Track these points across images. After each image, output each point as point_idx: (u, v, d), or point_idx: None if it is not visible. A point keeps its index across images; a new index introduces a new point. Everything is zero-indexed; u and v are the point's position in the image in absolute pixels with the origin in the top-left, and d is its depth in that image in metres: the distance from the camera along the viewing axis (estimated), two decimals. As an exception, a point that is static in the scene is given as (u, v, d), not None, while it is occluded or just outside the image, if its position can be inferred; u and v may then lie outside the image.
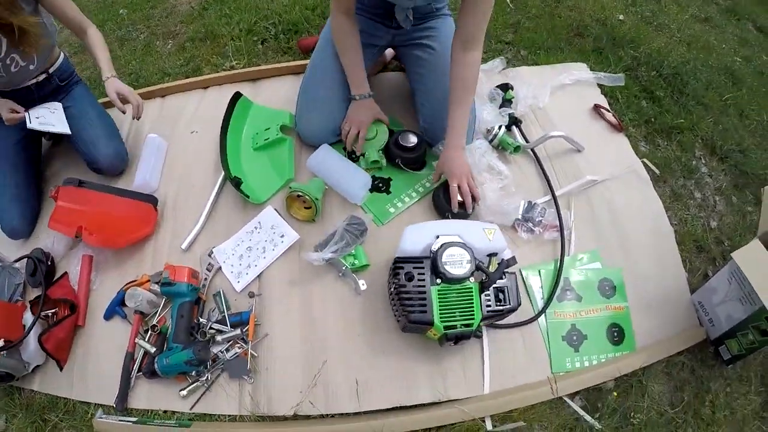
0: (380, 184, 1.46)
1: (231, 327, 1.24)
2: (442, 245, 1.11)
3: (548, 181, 1.46)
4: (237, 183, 1.40)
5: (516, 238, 1.37)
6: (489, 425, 1.11)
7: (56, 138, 1.67)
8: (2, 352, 1.16)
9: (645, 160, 1.55)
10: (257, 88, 1.74)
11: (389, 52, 1.73)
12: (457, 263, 1.09)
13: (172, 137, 1.64)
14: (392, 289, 1.12)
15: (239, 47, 1.89)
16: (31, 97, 1.46)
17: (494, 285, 1.12)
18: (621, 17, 2.05)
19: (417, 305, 1.07)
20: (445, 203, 1.34)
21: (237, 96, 1.59)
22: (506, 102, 1.60)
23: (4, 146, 1.46)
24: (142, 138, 1.61)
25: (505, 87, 1.63)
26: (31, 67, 1.39)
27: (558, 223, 1.37)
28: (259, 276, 1.33)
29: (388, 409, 1.14)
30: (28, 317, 1.26)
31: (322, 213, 1.40)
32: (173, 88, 1.78)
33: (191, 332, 1.22)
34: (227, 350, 1.22)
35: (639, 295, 1.32)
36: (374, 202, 1.43)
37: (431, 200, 1.43)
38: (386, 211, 1.41)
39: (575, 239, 1.38)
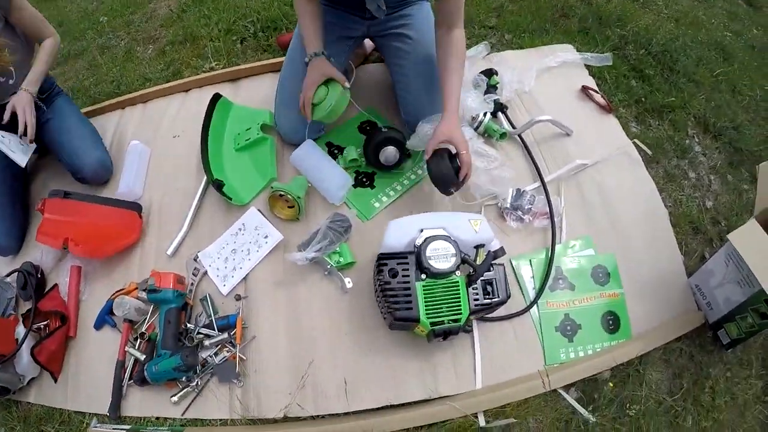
0: (364, 179, 1.44)
1: (219, 331, 1.24)
2: (425, 239, 1.09)
3: (537, 167, 1.43)
4: (219, 186, 1.38)
5: (505, 227, 1.35)
6: (482, 421, 1.09)
7: (42, 151, 1.67)
8: (-3, 366, 1.17)
9: (636, 140, 1.51)
10: (237, 88, 1.73)
11: (369, 43, 1.70)
12: (441, 257, 1.07)
13: (154, 143, 1.63)
14: (377, 287, 1.10)
15: (218, 48, 1.87)
16: None
17: (482, 278, 1.10)
18: (606, -5, 2.01)
19: (402, 302, 1.05)
20: (451, 174, 1.21)
21: (216, 97, 1.57)
22: (491, 88, 1.57)
23: None
24: (125, 145, 1.60)
25: (489, 73, 1.59)
26: (11, 81, 1.39)
27: (548, 210, 1.35)
28: (244, 278, 1.31)
29: (378, 408, 1.13)
30: (20, 330, 1.27)
31: (306, 211, 1.38)
32: (154, 93, 1.77)
33: (179, 338, 1.22)
34: (216, 354, 1.22)
35: (634, 281, 1.29)
36: (358, 198, 1.41)
37: (421, 184, 1.40)
38: (371, 206, 1.39)
39: (566, 226, 1.35)
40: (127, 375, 1.23)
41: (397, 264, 1.08)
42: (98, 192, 1.52)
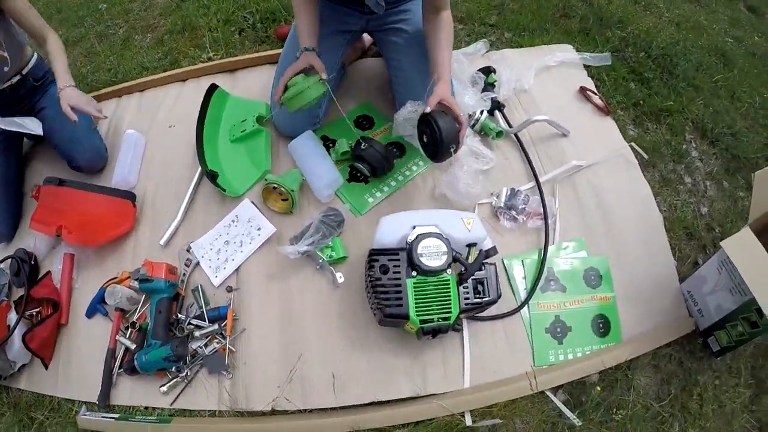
0: (358, 174, 1.43)
1: (209, 322, 1.24)
2: (417, 236, 1.08)
3: (532, 167, 1.42)
4: (213, 177, 1.38)
5: (498, 226, 1.34)
6: (468, 420, 1.09)
7: (37, 138, 1.66)
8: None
9: (633, 144, 1.51)
10: (234, 79, 1.72)
11: (367, 38, 1.69)
12: (433, 255, 1.07)
13: (150, 132, 1.63)
14: (367, 282, 1.10)
15: (217, 38, 1.86)
16: (6, 100, 1.45)
17: (473, 277, 1.10)
18: (608, -4, 2.00)
19: (392, 299, 1.05)
20: (456, 132, 1.16)
21: (213, 88, 1.56)
22: (489, 86, 1.56)
23: None
24: (121, 134, 1.59)
25: (487, 70, 1.59)
26: (6, 68, 1.38)
27: (542, 211, 1.34)
28: (236, 270, 1.31)
29: (366, 404, 1.13)
30: (12, 317, 1.28)
31: (300, 205, 1.38)
32: (151, 82, 1.76)
33: (170, 328, 1.22)
34: (206, 345, 1.22)
35: (626, 285, 1.28)
36: (352, 192, 1.40)
37: (416, 180, 1.38)
38: (364, 201, 1.38)
39: (560, 227, 1.35)
40: (117, 364, 1.23)
41: (388, 260, 1.08)
42: (93, 180, 1.52)
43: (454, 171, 1.33)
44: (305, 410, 1.13)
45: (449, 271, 1.08)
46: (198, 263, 1.33)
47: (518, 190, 1.36)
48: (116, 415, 1.18)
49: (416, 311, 1.04)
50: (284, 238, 1.33)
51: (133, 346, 1.22)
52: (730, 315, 1.12)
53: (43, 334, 1.26)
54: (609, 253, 1.32)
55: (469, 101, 1.47)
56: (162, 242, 1.37)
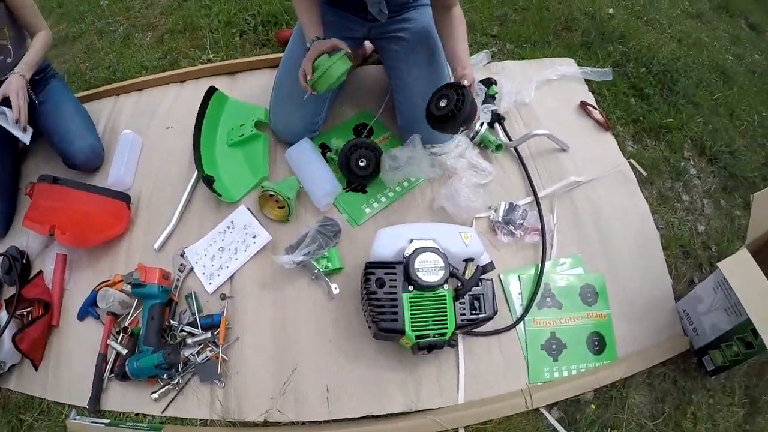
0: (356, 185, 1.42)
1: (202, 330, 1.22)
2: (414, 250, 1.07)
3: (531, 181, 1.42)
4: (209, 181, 1.36)
5: (496, 241, 1.34)
6: (462, 436, 1.09)
7: (33, 134, 1.64)
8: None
9: (632, 160, 1.51)
10: (234, 82, 1.71)
11: (368, 45, 1.68)
12: (430, 270, 1.06)
13: (147, 133, 1.61)
14: (363, 295, 1.09)
15: (217, 39, 1.85)
16: None
17: (469, 292, 1.09)
18: (611, 11, 2.00)
19: (388, 313, 1.04)
20: (475, 112, 1.17)
21: (212, 90, 1.55)
22: (489, 98, 1.56)
23: None
24: (118, 133, 1.57)
25: (488, 82, 1.58)
26: (8, 60, 1.37)
27: (540, 227, 1.34)
28: (231, 278, 1.30)
29: (359, 418, 1.12)
30: (2, 316, 1.26)
31: (296, 213, 1.37)
32: (150, 81, 1.74)
33: (162, 334, 1.21)
34: (198, 353, 1.20)
35: (622, 302, 1.28)
36: (349, 202, 1.39)
37: (414, 192, 1.38)
38: (362, 212, 1.37)
39: (557, 243, 1.34)
40: (108, 368, 1.21)
41: (385, 274, 1.07)
42: (88, 180, 1.50)
43: (453, 184, 1.33)
44: (297, 422, 1.12)
45: (446, 286, 1.07)
46: (192, 269, 1.32)
47: (516, 205, 1.36)
48: (106, 421, 1.16)
49: (412, 326, 1.03)
50: (279, 247, 1.32)
51: (124, 351, 1.20)
52: (725, 335, 1.12)
53: (34, 335, 1.25)
54: (605, 270, 1.32)
55: (470, 113, 1.46)
56: (156, 246, 1.36)
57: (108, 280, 1.29)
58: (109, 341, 1.23)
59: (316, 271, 1.24)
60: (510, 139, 1.51)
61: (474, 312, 1.09)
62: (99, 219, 1.37)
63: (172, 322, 1.23)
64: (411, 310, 1.04)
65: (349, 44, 1.41)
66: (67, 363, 1.25)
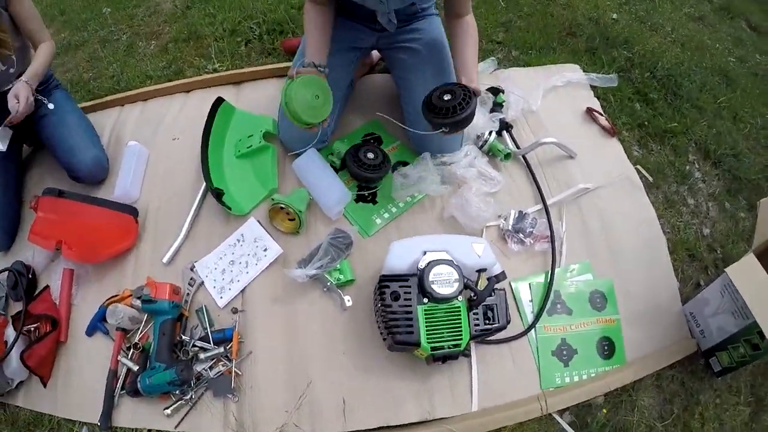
0: (366, 194, 1.42)
1: (214, 344, 1.22)
2: (429, 263, 1.08)
3: (539, 189, 1.43)
4: (218, 194, 1.36)
5: (506, 249, 1.34)
6: (477, 444, 1.10)
7: (37, 144, 1.63)
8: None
9: (639, 166, 1.52)
10: (240, 92, 1.70)
11: (375, 53, 1.68)
12: (444, 282, 1.06)
13: (153, 144, 1.59)
14: (377, 309, 1.09)
15: (222, 48, 1.84)
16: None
17: (483, 303, 1.10)
18: (614, 16, 2.01)
19: (403, 326, 1.04)
20: (473, 117, 1.17)
21: (219, 102, 1.54)
22: (497, 106, 1.56)
23: None
24: (123, 145, 1.56)
25: (495, 91, 1.58)
26: (11, 70, 1.36)
27: (549, 234, 1.35)
28: (242, 291, 1.29)
29: (375, 429, 1.12)
30: (9, 332, 1.25)
31: (307, 225, 1.37)
32: (155, 91, 1.73)
33: (174, 350, 1.20)
34: (211, 368, 1.20)
35: (630, 307, 1.30)
36: (360, 213, 1.39)
37: (423, 202, 1.38)
38: (372, 222, 1.37)
39: (566, 250, 1.35)
40: (119, 385, 1.20)
41: (399, 287, 1.07)
42: (93, 192, 1.48)
43: (463, 193, 1.33)
44: (312, 435, 1.13)
45: (460, 297, 1.08)
46: (202, 283, 1.31)
47: (526, 213, 1.36)
48: (118, 437, 1.16)
49: (427, 338, 1.04)
50: (291, 259, 1.32)
51: (135, 368, 1.19)
52: (731, 337, 1.14)
53: (42, 352, 1.23)
54: (613, 275, 1.33)
55: (478, 121, 1.46)
56: (165, 260, 1.34)
57: (116, 295, 1.28)
58: (119, 357, 1.22)
59: (328, 283, 1.24)
60: (518, 147, 1.52)
61: (488, 322, 1.11)
62: (106, 233, 1.36)
63: (183, 337, 1.22)
64: (426, 323, 1.05)
65: (357, 54, 1.42)
66: (77, 379, 1.24)
